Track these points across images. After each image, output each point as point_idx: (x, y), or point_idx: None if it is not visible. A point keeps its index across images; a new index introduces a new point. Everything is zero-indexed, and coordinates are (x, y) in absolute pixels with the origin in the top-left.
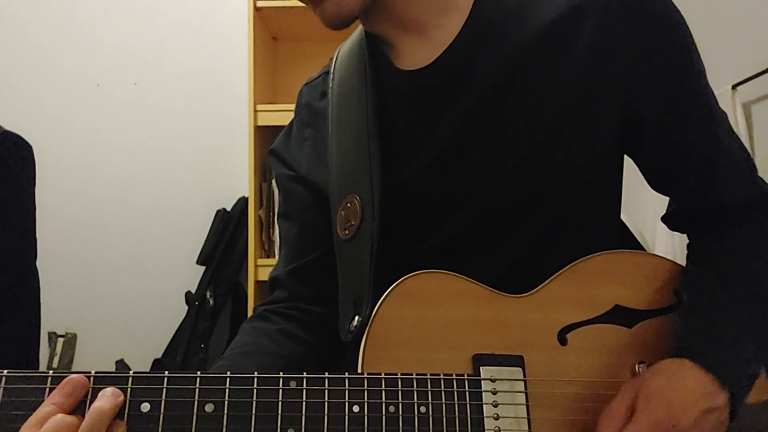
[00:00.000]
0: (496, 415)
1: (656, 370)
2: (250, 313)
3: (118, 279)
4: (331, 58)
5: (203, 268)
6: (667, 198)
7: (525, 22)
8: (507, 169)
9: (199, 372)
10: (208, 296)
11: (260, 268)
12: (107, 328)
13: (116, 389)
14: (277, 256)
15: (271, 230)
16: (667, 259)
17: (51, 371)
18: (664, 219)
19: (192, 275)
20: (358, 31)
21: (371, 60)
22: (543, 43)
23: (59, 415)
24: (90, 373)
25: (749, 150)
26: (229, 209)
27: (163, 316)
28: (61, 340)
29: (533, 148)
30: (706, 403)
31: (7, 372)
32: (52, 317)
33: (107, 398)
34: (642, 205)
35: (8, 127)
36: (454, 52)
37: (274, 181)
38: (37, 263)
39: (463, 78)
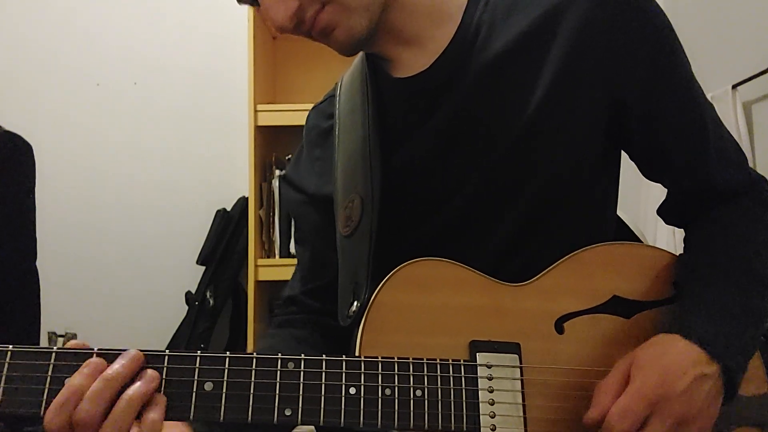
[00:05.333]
0: (491, 401)
1: (649, 343)
2: (250, 313)
3: (118, 279)
4: (336, 83)
5: (203, 268)
6: None
7: (512, 21)
8: (492, 160)
9: (199, 351)
10: (208, 296)
11: (260, 268)
12: (107, 328)
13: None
14: (277, 256)
15: (271, 230)
16: (668, 252)
17: (55, 347)
18: (658, 211)
19: (192, 275)
20: (359, 56)
21: (372, 76)
22: (527, 39)
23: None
24: (93, 349)
25: (749, 150)
26: (229, 209)
27: (163, 316)
28: (61, 340)
29: (519, 136)
30: (698, 369)
31: (12, 347)
32: (52, 317)
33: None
34: (642, 204)
35: (8, 127)
36: (446, 58)
37: (274, 181)
38: (37, 263)
39: (454, 79)
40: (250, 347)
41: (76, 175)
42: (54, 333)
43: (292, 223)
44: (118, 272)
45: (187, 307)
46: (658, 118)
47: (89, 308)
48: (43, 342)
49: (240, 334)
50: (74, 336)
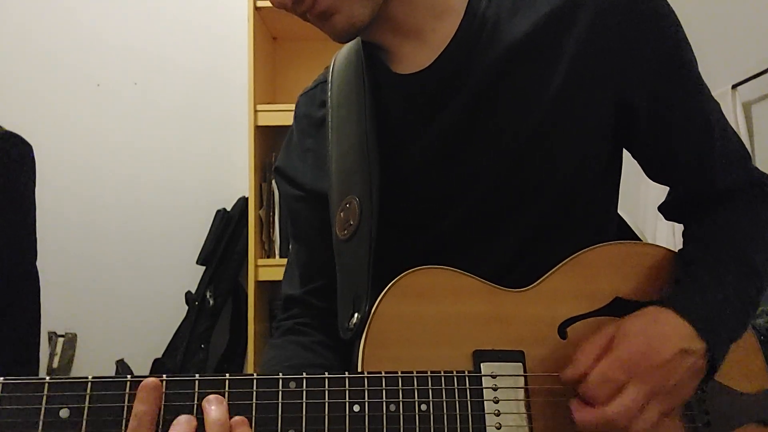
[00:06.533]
0: (497, 411)
1: (639, 312)
2: (250, 313)
3: (118, 279)
4: (327, 67)
5: (203, 268)
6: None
7: (519, 18)
8: (500, 161)
9: (197, 375)
10: (208, 296)
11: (260, 268)
12: (107, 328)
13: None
14: (277, 256)
15: (271, 230)
16: (668, 249)
17: (48, 377)
18: (660, 208)
19: (192, 275)
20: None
21: (368, 67)
22: (536, 37)
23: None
24: (87, 378)
25: (749, 150)
26: (229, 209)
27: (163, 316)
28: (61, 340)
29: (526, 140)
30: (683, 344)
31: (3, 379)
32: (52, 317)
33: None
34: (642, 203)
35: (8, 127)
36: (450, 54)
37: (274, 182)
38: (37, 263)
39: (459, 77)
40: (250, 347)
41: (76, 175)
42: (54, 333)
43: (277, 198)
44: (118, 272)
45: (187, 307)
46: (665, 120)
47: (89, 308)
48: (43, 342)
49: (240, 334)
50: (74, 336)
